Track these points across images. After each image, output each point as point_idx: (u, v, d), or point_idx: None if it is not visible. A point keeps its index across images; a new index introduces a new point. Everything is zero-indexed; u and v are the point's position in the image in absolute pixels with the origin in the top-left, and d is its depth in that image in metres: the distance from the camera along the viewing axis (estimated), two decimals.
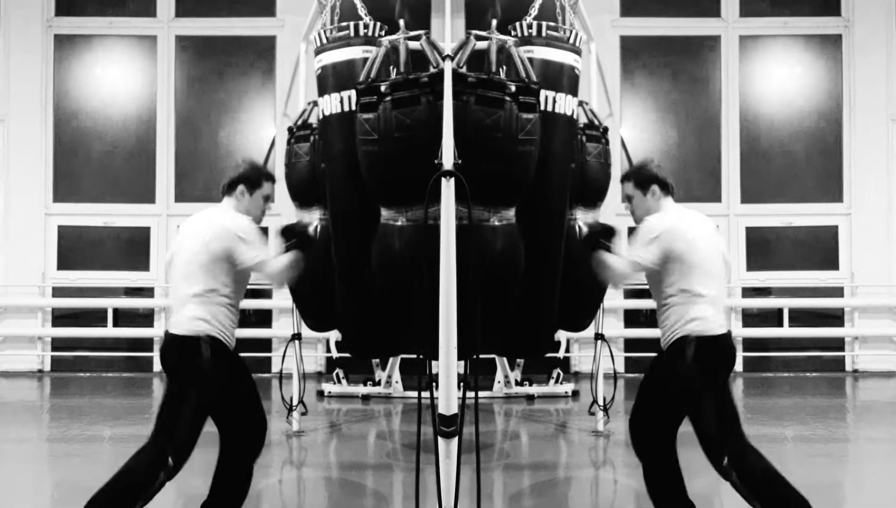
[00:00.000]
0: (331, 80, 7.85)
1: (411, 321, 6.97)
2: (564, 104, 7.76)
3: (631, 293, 15.72)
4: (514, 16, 8.12)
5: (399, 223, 7.13)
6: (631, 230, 6.15)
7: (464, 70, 7.08)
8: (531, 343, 8.63)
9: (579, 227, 8.45)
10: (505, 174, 7.08)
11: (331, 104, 7.81)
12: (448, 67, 6.37)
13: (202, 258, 5.86)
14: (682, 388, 5.83)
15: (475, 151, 6.47)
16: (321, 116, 8.04)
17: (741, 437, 5.81)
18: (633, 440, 6.13)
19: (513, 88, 6.99)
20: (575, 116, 8.09)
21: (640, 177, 6.25)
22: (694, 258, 5.86)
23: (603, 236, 6.44)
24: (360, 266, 7.72)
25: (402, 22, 7.75)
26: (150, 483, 5.71)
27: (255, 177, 6.21)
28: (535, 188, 7.49)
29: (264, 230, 6.12)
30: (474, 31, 7.66)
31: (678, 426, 5.95)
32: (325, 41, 7.90)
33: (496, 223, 7.16)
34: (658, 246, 5.86)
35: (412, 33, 7.60)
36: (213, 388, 5.83)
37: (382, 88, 6.98)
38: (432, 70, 7.11)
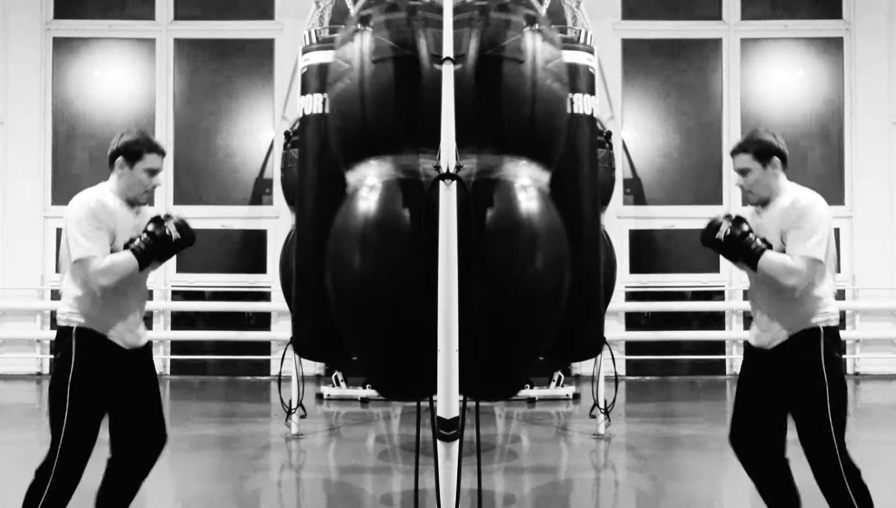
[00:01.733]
0: (314, 80, 7.74)
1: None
2: (584, 104, 7.65)
3: (632, 296, 15.69)
4: None
5: (371, 183, 6.06)
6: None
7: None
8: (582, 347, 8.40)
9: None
10: (529, 113, 6.13)
11: (311, 104, 7.70)
12: (449, 71, 6.22)
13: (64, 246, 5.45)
14: (823, 381, 5.49)
15: (492, 84, 5.89)
16: (300, 116, 7.92)
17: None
18: (742, 444, 5.89)
19: (532, 18, 6.28)
20: (595, 115, 7.97)
21: (762, 149, 5.69)
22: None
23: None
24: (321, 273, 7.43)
25: None
26: (41, 487, 5.59)
27: (134, 147, 5.63)
28: (565, 192, 7.19)
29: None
30: None
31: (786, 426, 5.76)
32: (313, 41, 7.84)
33: (525, 182, 6.09)
34: (828, 234, 5.43)
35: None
36: (78, 381, 5.40)
37: (365, 15, 6.28)
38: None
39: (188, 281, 15.83)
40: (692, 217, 15.04)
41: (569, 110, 6.47)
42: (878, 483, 8.79)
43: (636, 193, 15.82)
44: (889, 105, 16.19)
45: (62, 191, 16.25)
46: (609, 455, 9.93)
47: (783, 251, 5.41)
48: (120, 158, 5.61)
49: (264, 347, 15.83)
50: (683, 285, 15.66)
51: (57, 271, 15.94)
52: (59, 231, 15.88)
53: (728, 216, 5.60)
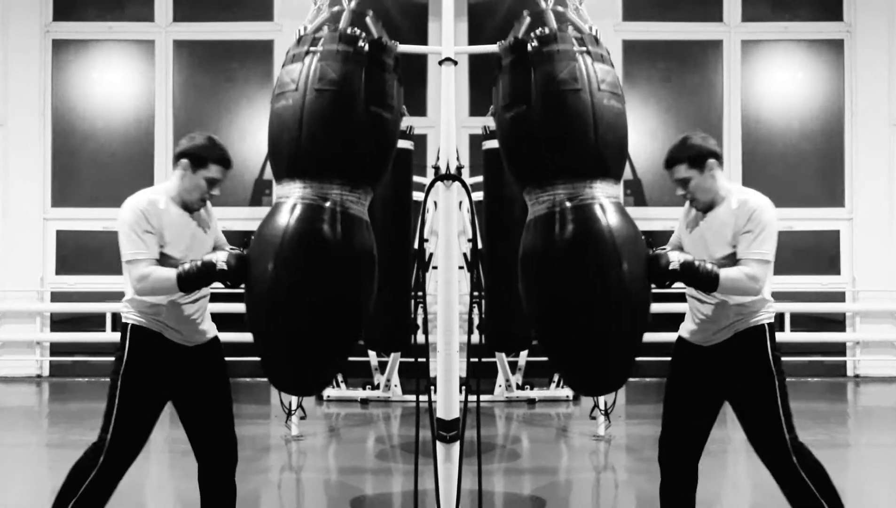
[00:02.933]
0: None
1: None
2: None
3: None
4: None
5: (292, 201, 5.68)
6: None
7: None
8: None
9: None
10: (590, 134, 5.90)
11: None
12: (449, 72, 6.21)
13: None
14: (772, 377, 5.55)
15: (552, 116, 5.76)
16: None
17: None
18: (666, 442, 5.87)
19: (581, 42, 6.11)
20: None
21: (694, 155, 5.57)
22: None
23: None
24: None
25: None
26: (82, 479, 5.48)
27: (202, 154, 5.52)
28: None
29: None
30: (526, 10, 7.19)
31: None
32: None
33: (603, 200, 5.80)
34: (775, 234, 5.41)
35: (356, 8, 7.04)
36: (129, 378, 5.47)
37: (310, 45, 6.03)
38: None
39: None
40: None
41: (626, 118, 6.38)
42: (877, 485, 8.83)
43: (636, 194, 15.83)
44: (889, 107, 16.20)
45: (62, 193, 16.27)
46: (609, 457, 9.91)
47: (734, 255, 5.42)
48: (185, 161, 5.50)
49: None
50: (682, 286, 15.58)
51: (57, 273, 16.09)
52: (58, 233, 15.98)
53: (664, 254, 5.51)
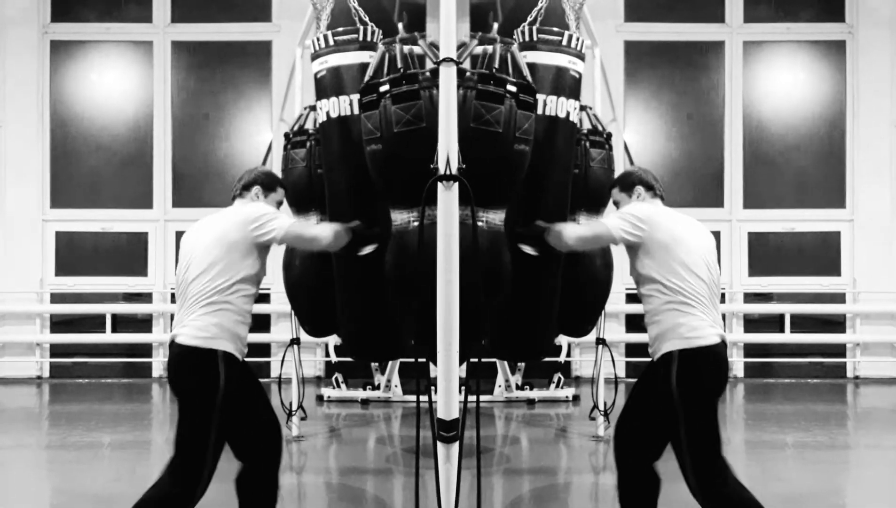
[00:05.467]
0: (331, 83, 7.75)
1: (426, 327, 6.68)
2: (565, 108, 7.67)
3: (633, 298, 15.68)
4: (518, 20, 8.05)
5: (411, 227, 6.90)
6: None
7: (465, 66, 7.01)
8: (529, 347, 8.49)
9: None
10: (498, 172, 6.94)
11: (337, 107, 7.69)
12: (453, 73, 6.20)
13: (217, 254, 5.55)
14: (668, 408, 5.46)
15: (470, 147, 6.33)
16: (320, 121, 7.93)
17: (725, 466, 5.49)
18: (616, 447, 5.84)
19: (514, 87, 6.89)
20: (576, 120, 7.99)
21: (625, 181, 6.17)
22: (679, 254, 5.56)
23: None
24: (360, 271, 7.65)
25: (400, 26, 7.69)
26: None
27: (270, 181, 6.15)
28: (534, 192, 7.43)
29: None
30: (477, 33, 7.62)
31: (663, 445, 5.67)
32: (325, 45, 7.81)
33: (483, 226, 6.95)
34: (635, 225, 5.64)
35: (406, 35, 7.54)
36: (231, 409, 5.46)
37: (381, 88, 6.85)
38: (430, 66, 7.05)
39: None
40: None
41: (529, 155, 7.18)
42: (877, 486, 8.81)
43: None
44: (891, 108, 16.17)
45: (61, 194, 16.25)
46: (608, 457, 9.83)
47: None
48: (257, 187, 6.08)
49: (264, 349, 15.81)
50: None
51: (56, 274, 16.08)
52: (57, 234, 15.96)
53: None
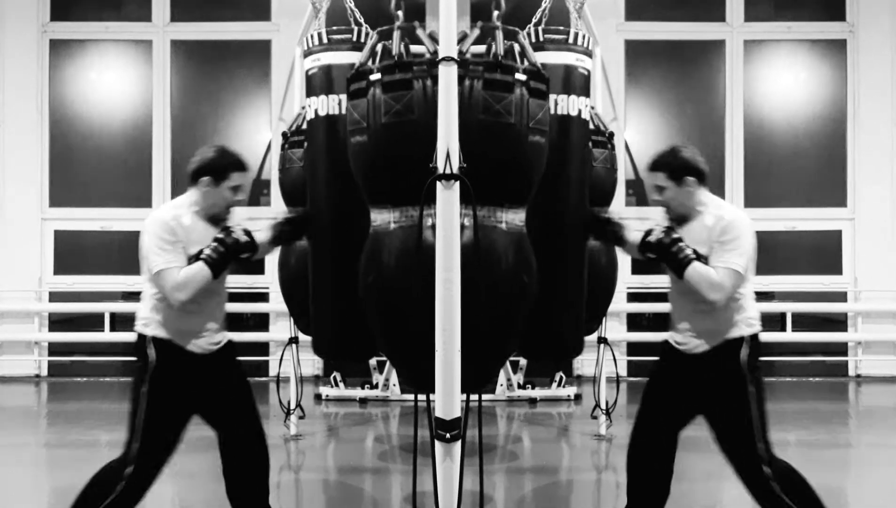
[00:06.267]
0: (321, 81, 7.68)
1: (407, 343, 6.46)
2: (576, 106, 7.62)
3: (633, 297, 15.65)
4: (516, 19, 8.01)
5: (392, 227, 6.53)
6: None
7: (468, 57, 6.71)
8: (562, 345, 8.37)
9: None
10: (514, 166, 6.55)
11: (325, 105, 7.62)
12: (453, 73, 6.12)
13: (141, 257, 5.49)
14: (733, 389, 5.52)
15: (481, 140, 6.16)
16: (308, 118, 7.87)
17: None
18: (639, 442, 5.81)
19: (523, 74, 6.56)
20: (587, 118, 7.95)
21: (675, 167, 5.70)
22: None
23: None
24: (337, 273, 7.50)
25: (399, 13, 7.55)
26: (104, 493, 5.46)
27: (220, 166, 5.61)
28: (552, 192, 7.31)
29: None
30: (478, 23, 7.49)
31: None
32: (318, 43, 7.76)
33: (503, 227, 6.55)
34: (749, 249, 5.47)
35: (404, 24, 7.38)
36: (162, 392, 5.49)
37: (371, 75, 6.52)
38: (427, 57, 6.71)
39: None
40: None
41: (546, 149, 6.77)
42: (879, 485, 8.78)
43: (638, 194, 15.77)
44: (892, 107, 16.15)
45: (60, 193, 16.22)
46: (610, 456, 9.88)
47: None
48: (206, 178, 5.56)
49: (262, 348, 15.79)
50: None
51: (55, 273, 16.05)
52: (56, 233, 15.94)
53: (665, 228, 5.66)
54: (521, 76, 6.53)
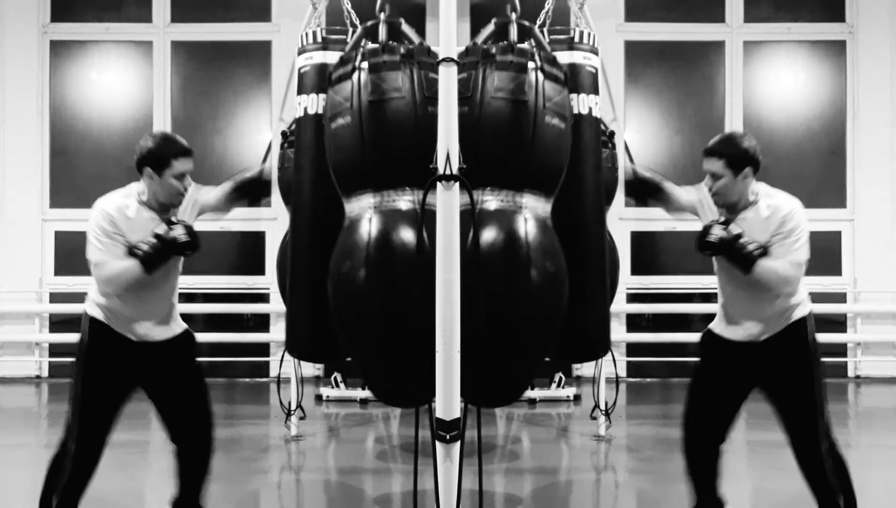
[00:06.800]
0: (312, 80, 7.66)
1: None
2: (586, 103, 7.61)
3: (633, 298, 15.66)
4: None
5: (369, 214, 6.45)
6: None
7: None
8: (583, 346, 8.32)
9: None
10: (531, 149, 6.50)
11: (313, 103, 7.60)
12: (453, 73, 6.10)
13: None
14: (802, 367, 5.72)
15: (493, 123, 6.21)
16: (296, 116, 7.86)
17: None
18: (695, 424, 5.96)
19: (537, 59, 6.59)
20: (599, 116, 7.95)
21: (734, 156, 5.67)
22: None
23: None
24: (315, 271, 7.44)
25: (382, 15, 7.50)
26: (58, 472, 5.66)
27: (161, 155, 5.58)
28: (567, 189, 7.25)
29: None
30: (494, 19, 7.47)
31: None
32: (312, 41, 7.76)
33: (527, 217, 6.48)
34: (807, 236, 5.59)
35: (391, 19, 7.34)
36: (88, 369, 5.63)
37: (357, 60, 6.58)
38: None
39: (187, 283, 15.67)
40: (694, 219, 15.04)
41: (569, 138, 6.79)
42: (879, 485, 8.78)
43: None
44: (891, 108, 16.15)
45: (60, 194, 16.22)
46: (610, 457, 9.87)
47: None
48: (147, 168, 5.59)
49: (263, 349, 15.79)
50: (684, 286, 15.64)
51: (56, 274, 16.06)
52: (57, 234, 15.94)
53: (722, 222, 5.64)
54: (535, 60, 6.56)
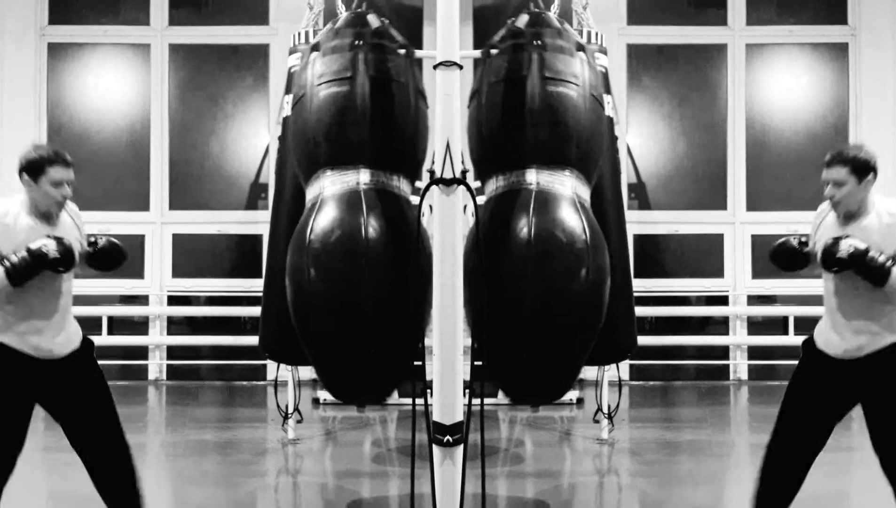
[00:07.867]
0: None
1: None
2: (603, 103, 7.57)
3: (636, 301, 15.55)
4: None
5: (327, 192, 6.55)
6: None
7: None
8: (611, 346, 8.25)
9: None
10: (534, 119, 6.61)
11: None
12: (454, 77, 6.03)
13: None
14: None
15: (497, 97, 6.39)
16: (284, 115, 7.82)
17: None
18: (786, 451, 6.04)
19: (540, 38, 6.74)
20: (612, 114, 7.91)
21: (859, 163, 5.80)
22: None
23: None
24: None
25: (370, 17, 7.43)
26: None
27: (35, 164, 5.64)
28: (592, 192, 7.18)
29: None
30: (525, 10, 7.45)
31: None
32: (304, 41, 7.71)
33: (535, 188, 6.55)
34: None
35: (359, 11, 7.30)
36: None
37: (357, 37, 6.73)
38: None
39: (184, 286, 15.70)
40: (697, 222, 14.99)
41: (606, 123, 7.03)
42: (879, 486, 8.66)
43: (641, 198, 15.70)
44: (894, 110, 16.08)
45: None
46: (613, 460, 9.84)
47: None
48: (24, 176, 5.62)
49: (260, 352, 15.71)
50: (688, 290, 15.55)
51: None
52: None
53: (842, 238, 5.60)
54: (537, 39, 6.64)
